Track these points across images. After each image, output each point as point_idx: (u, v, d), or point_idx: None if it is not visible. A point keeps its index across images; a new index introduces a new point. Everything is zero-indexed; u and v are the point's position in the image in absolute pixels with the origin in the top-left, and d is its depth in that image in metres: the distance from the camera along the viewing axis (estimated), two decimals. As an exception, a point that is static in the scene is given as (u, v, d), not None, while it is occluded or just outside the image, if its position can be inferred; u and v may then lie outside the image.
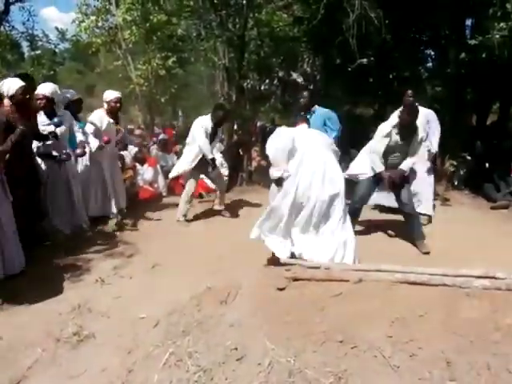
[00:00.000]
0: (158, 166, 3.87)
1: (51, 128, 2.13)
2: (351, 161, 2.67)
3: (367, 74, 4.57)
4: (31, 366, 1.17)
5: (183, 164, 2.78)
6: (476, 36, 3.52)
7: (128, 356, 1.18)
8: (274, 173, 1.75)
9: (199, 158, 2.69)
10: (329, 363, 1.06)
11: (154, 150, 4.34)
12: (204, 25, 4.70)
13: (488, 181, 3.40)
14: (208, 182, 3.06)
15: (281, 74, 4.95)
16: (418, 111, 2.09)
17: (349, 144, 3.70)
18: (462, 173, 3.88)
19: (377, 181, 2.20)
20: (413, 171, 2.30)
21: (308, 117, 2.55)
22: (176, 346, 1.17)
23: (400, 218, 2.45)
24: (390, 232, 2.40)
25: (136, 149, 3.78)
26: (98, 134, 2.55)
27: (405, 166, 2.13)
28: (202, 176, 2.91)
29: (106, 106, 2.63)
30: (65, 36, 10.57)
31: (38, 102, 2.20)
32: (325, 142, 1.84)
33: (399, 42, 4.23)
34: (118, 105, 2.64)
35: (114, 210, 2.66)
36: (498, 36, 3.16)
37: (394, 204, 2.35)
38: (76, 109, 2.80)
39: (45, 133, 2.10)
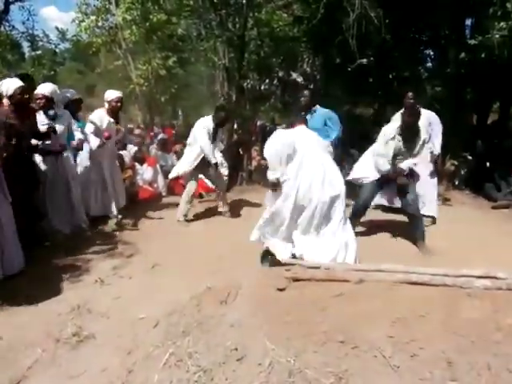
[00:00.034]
0: (158, 166, 3.87)
1: (44, 119, 2.13)
2: (352, 160, 2.66)
3: (367, 73, 4.57)
4: (31, 366, 1.17)
5: (184, 165, 2.78)
6: (476, 36, 3.53)
7: (128, 356, 1.18)
8: (271, 176, 1.75)
9: (200, 158, 2.69)
10: (329, 363, 1.06)
11: (153, 149, 4.34)
12: (204, 24, 4.71)
13: (489, 180, 3.41)
14: (209, 182, 3.06)
15: (281, 73, 4.95)
16: (419, 113, 2.09)
17: (349, 144, 3.69)
18: (462, 172, 3.89)
19: (381, 184, 2.20)
20: (416, 173, 2.28)
21: (308, 116, 2.55)
22: (176, 347, 1.17)
23: (401, 217, 2.45)
24: (390, 232, 2.41)
25: (135, 148, 3.77)
26: (98, 133, 2.55)
27: (404, 165, 2.13)
28: (202, 176, 2.91)
29: (107, 105, 2.63)
30: (65, 36, 10.58)
31: (38, 101, 2.20)
32: (322, 144, 1.85)
33: (399, 41, 4.23)
34: (119, 104, 2.64)
35: (115, 209, 2.67)
36: (497, 36, 3.17)
37: (395, 204, 2.34)
38: (75, 108, 2.80)
39: (43, 128, 2.09)
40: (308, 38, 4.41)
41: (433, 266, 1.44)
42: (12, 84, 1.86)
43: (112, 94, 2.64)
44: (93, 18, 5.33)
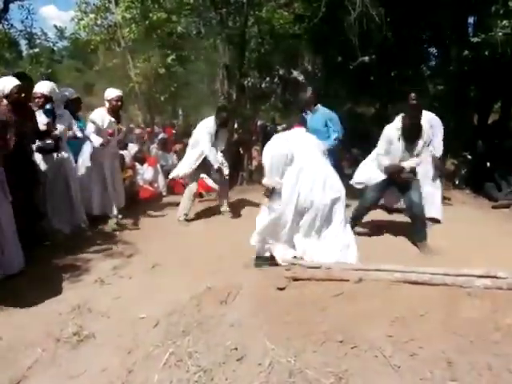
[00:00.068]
0: (158, 166, 3.86)
1: (45, 119, 2.12)
2: (353, 160, 2.65)
3: (368, 72, 4.55)
4: (31, 366, 1.17)
5: (185, 166, 2.78)
6: (478, 34, 3.50)
7: (128, 356, 1.18)
8: (266, 182, 1.76)
9: (201, 159, 2.69)
10: (329, 363, 1.06)
11: (153, 149, 4.33)
12: (204, 22, 4.68)
13: (489, 180, 3.39)
14: (209, 182, 3.05)
15: (281, 72, 4.93)
16: (421, 112, 2.08)
17: (349, 143, 3.67)
18: (463, 172, 3.88)
19: (386, 185, 2.18)
20: (421, 175, 2.27)
21: (309, 115, 2.53)
22: (176, 346, 1.17)
23: (401, 218, 2.45)
24: (391, 232, 2.40)
25: (136, 148, 3.77)
26: (99, 132, 2.55)
27: (407, 164, 2.11)
28: (204, 175, 2.91)
29: (107, 104, 2.62)
30: (63, 34, 10.53)
31: (36, 100, 2.19)
32: (321, 147, 1.85)
33: (401, 40, 4.21)
34: (120, 103, 2.63)
35: (115, 209, 2.67)
36: (500, 34, 3.15)
37: (396, 204, 2.33)
38: (75, 108, 2.79)
39: (43, 127, 2.09)
40: (309, 36, 4.39)
41: (433, 266, 1.44)
42: (8, 83, 1.85)
43: (112, 93, 2.62)
44: (92, 16, 5.30)
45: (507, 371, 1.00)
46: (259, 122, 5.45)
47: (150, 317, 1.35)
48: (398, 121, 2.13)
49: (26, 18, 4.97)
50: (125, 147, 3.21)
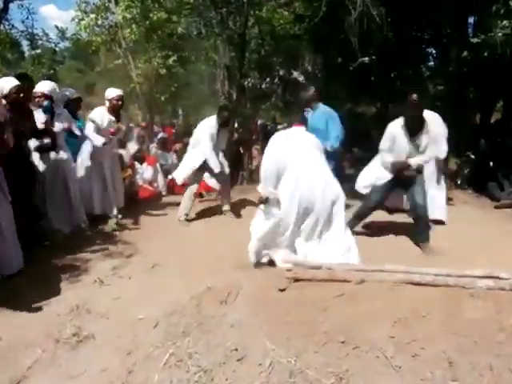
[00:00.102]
0: (158, 165, 3.86)
1: (43, 117, 2.11)
2: (354, 160, 2.63)
3: (369, 72, 4.54)
4: (31, 367, 1.16)
5: (186, 168, 2.77)
6: (478, 34, 3.49)
7: (128, 357, 1.17)
8: (261, 191, 1.76)
9: (202, 161, 2.68)
10: (330, 364, 1.05)
11: (153, 148, 4.33)
12: (204, 23, 4.68)
13: (492, 180, 3.37)
14: (210, 182, 3.05)
15: (282, 72, 4.93)
16: (422, 106, 2.06)
17: (350, 143, 3.66)
18: (465, 172, 3.86)
19: (391, 186, 2.17)
20: (426, 178, 2.23)
21: (310, 114, 2.51)
22: (176, 347, 1.16)
23: (402, 218, 2.43)
24: (393, 232, 2.38)
25: (136, 147, 3.76)
26: (99, 131, 2.54)
27: (413, 160, 2.08)
28: (206, 175, 2.90)
29: (107, 103, 2.62)
30: (65, 35, 10.56)
31: (37, 100, 2.19)
32: (320, 148, 1.83)
33: (401, 40, 4.20)
34: (120, 103, 2.63)
35: (115, 209, 2.66)
36: (500, 34, 3.14)
37: (397, 205, 2.32)
38: (75, 107, 2.79)
39: (41, 126, 2.09)
40: (309, 37, 4.38)
41: (435, 266, 1.44)
42: (7, 83, 1.85)
43: (112, 92, 2.63)
44: (92, 16, 5.31)
45: (508, 371, 1.00)
46: (259, 122, 5.46)
47: (150, 317, 1.35)
48: (401, 118, 2.11)
49: (27, 17, 4.99)
50: (123, 146, 3.20)
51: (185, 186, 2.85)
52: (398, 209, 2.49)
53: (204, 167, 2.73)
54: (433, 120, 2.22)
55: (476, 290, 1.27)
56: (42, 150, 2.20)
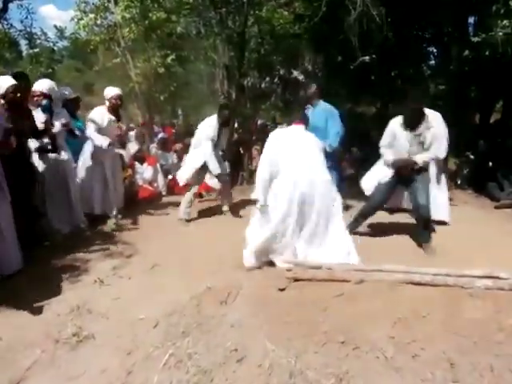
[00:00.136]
0: (158, 165, 3.85)
1: (42, 116, 2.11)
2: (353, 160, 2.62)
3: (369, 71, 4.53)
4: (30, 367, 1.16)
5: (189, 169, 2.77)
6: (479, 33, 3.49)
7: (127, 357, 1.17)
8: (254, 196, 1.76)
9: (202, 162, 2.69)
10: (330, 364, 1.05)
11: (153, 148, 4.32)
12: (204, 22, 4.66)
13: (491, 180, 3.37)
14: (211, 182, 3.04)
15: (281, 72, 4.91)
16: (421, 101, 2.05)
17: (350, 143, 3.65)
18: (465, 172, 3.86)
19: (395, 185, 2.16)
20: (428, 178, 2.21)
21: (310, 111, 2.49)
22: (176, 347, 1.16)
23: (403, 218, 2.43)
24: (394, 232, 2.38)
25: (136, 147, 3.75)
26: (100, 131, 2.54)
27: (418, 157, 2.05)
28: (207, 175, 2.90)
29: (107, 103, 2.62)
30: (63, 34, 10.54)
31: (35, 98, 2.18)
32: (318, 146, 1.81)
33: (401, 39, 4.19)
34: (119, 102, 2.63)
35: (115, 209, 2.66)
36: (501, 33, 3.13)
37: (397, 205, 2.31)
38: (74, 107, 2.78)
39: (40, 126, 2.08)
40: (309, 36, 4.37)
41: (435, 266, 1.44)
42: (4, 82, 1.83)
43: (111, 91, 2.62)
44: (91, 16, 5.29)
45: (509, 372, 1.00)
46: (259, 121, 5.45)
47: (150, 317, 1.35)
48: (399, 117, 2.11)
49: (26, 17, 4.97)
50: (122, 146, 3.20)
51: (188, 186, 2.84)
52: (399, 209, 2.49)
53: (205, 167, 2.73)
54: (434, 119, 2.22)
55: (475, 289, 1.27)
56: (43, 151, 2.19)
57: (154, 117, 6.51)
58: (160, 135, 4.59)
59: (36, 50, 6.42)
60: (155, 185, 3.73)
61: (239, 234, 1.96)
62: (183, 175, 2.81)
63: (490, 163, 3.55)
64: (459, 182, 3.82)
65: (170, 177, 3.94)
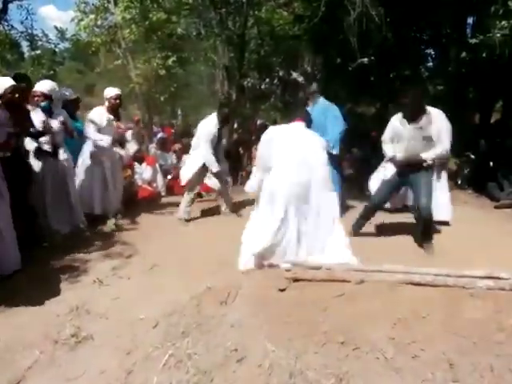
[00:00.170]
0: (157, 165, 3.85)
1: (41, 116, 2.11)
2: (353, 160, 2.61)
3: (368, 72, 4.55)
4: (29, 368, 1.16)
5: (190, 169, 2.77)
6: (477, 35, 3.52)
7: (127, 357, 1.17)
8: (247, 188, 1.75)
9: (202, 163, 2.69)
10: (330, 365, 1.05)
11: (152, 148, 4.32)
12: (204, 23, 4.69)
13: (492, 180, 3.38)
14: (210, 182, 3.04)
15: (281, 72, 4.93)
16: (419, 94, 2.03)
17: (350, 143, 3.66)
18: (465, 172, 3.85)
19: (396, 185, 2.15)
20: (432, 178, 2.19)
21: (310, 107, 2.48)
22: (175, 348, 1.16)
23: (403, 218, 2.43)
24: (394, 232, 2.37)
25: (135, 147, 3.75)
26: (99, 131, 2.54)
27: (426, 155, 2.03)
28: (208, 175, 2.90)
29: (106, 103, 2.64)
30: (64, 35, 10.57)
31: (36, 99, 2.18)
32: (318, 144, 1.78)
33: (400, 40, 4.22)
34: (118, 101, 2.64)
35: (114, 209, 2.66)
36: (499, 35, 3.16)
37: (397, 205, 2.31)
38: (73, 108, 2.79)
39: (38, 123, 2.07)
40: (309, 37, 4.39)
41: (435, 266, 1.43)
42: (2, 83, 1.84)
43: (111, 92, 2.64)
44: (92, 16, 5.31)
45: (509, 372, 0.99)
46: (259, 122, 5.46)
47: (149, 318, 1.34)
48: (398, 113, 2.10)
49: (26, 18, 4.98)
50: (122, 146, 3.20)
51: (187, 185, 2.85)
52: (398, 209, 2.49)
53: (206, 167, 2.74)
54: (437, 115, 2.17)
55: (476, 290, 1.27)
56: (42, 153, 2.18)
57: (153, 117, 6.53)
58: (159, 135, 4.59)
59: (38, 51, 6.43)
60: (154, 185, 3.73)
61: (239, 234, 1.96)
62: (185, 175, 2.82)
63: (491, 163, 3.54)
64: (459, 182, 3.82)
65: (169, 177, 3.94)
